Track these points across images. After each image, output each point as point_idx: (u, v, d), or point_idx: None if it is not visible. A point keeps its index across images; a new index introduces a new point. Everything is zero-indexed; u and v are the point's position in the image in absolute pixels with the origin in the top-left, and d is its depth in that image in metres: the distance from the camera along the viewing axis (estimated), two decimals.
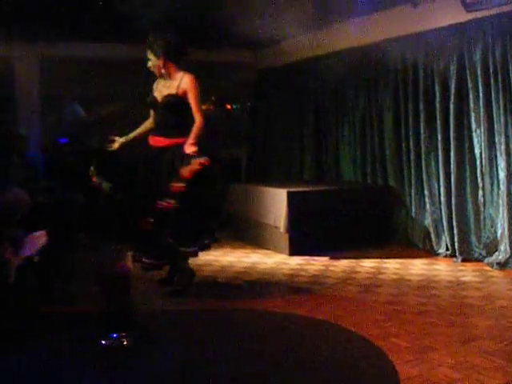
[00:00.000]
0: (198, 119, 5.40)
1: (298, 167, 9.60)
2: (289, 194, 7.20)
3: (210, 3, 6.81)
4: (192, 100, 5.42)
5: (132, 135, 5.82)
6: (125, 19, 6.75)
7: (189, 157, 5.19)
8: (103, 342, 1.66)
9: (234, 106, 11.14)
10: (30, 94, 9.31)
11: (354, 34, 7.99)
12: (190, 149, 5.19)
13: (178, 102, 5.45)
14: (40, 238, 2.41)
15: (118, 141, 5.75)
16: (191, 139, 5.26)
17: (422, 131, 7.24)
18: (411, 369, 3.53)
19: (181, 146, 5.28)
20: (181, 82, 5.45)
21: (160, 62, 5.48)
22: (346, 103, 8.62)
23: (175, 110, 5.47)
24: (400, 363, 3.62)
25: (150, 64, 5.56)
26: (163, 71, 5.52)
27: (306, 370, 3.49)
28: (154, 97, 5.60)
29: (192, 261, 5.59)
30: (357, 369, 3.51)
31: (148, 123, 5.80)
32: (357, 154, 8.43)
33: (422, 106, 7.24)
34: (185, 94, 5.43)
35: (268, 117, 10.25)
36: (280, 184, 8.12)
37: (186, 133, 5.33)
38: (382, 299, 5.22)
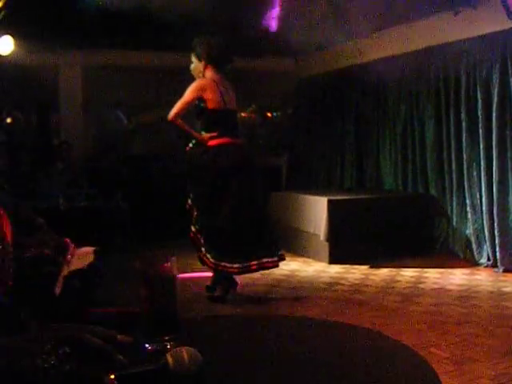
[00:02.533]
0: None
1: (338, 175, 9.59)
2: (329, 202, 7.19)
3: (251, 12, 6.88)
4: None
5: None
6: (166, 28, 6.85)
7: None
8: (147, 345, 1.65)
9: (275, 114, 11.18)
10: (74, 101, 9.49)
11: (396, 42, 7.99)
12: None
13: (195, 106, 5.47)
14: (89, 255, 2.45)
15: None
16: None
17: (463, 140, 7.18)
18: (451, 380, 3.52)
19: None
20: None
21: (201, 66, 5.47)
22: (387, 111, 8.60)
23: (196, 115, 5.53)
24: (440, 374, 3.57)
25: (191, 67, 5.57)
26: (201, 75, 5.48)
27: (348, 378, 3.50)
28: None
29: None
30: (400, 377, 3.50)
31: None
32: (398, 162, 8.39)
33: (464, 115, 7.17)
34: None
35: (308, 125, 10.26)
36: (320, 192, 8.13)
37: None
38: (422, 309, 5.20)
